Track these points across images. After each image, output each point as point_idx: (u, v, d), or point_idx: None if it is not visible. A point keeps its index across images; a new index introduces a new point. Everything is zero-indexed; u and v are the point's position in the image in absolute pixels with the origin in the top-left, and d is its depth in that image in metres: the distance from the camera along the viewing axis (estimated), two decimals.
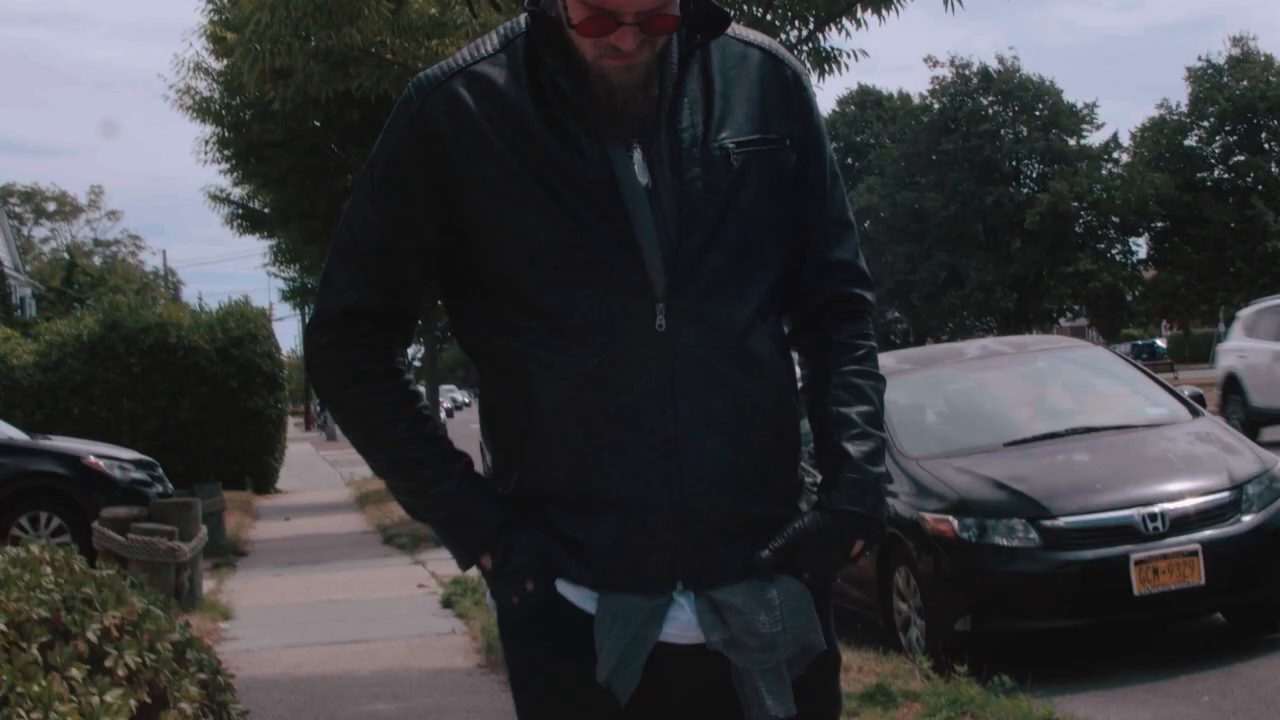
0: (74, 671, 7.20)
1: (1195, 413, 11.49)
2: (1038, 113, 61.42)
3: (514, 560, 2.99)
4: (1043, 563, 9.84)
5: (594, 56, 2.90)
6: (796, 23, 12.99)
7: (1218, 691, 9.16)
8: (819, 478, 3.18)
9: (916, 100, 66.16)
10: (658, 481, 2.92)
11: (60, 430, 23.72)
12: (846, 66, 13.51)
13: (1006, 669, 8.93)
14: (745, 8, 12.94)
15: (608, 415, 2.91)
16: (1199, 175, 60.71)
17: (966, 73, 61.96)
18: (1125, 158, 62.57)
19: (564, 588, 3.00)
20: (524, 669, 3.11)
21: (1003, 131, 61.38)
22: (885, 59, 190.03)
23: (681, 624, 2.98)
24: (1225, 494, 10.03)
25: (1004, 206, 59.53)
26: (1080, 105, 62.10)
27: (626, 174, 2.92)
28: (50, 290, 62.42)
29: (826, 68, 13.25)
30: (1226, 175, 61.25)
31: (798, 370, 3.22)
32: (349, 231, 3.12)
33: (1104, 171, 61.69)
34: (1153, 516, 9.79)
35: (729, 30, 3.10)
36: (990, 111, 61.73)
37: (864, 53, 13.01)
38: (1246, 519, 9.96)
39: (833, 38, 12.59)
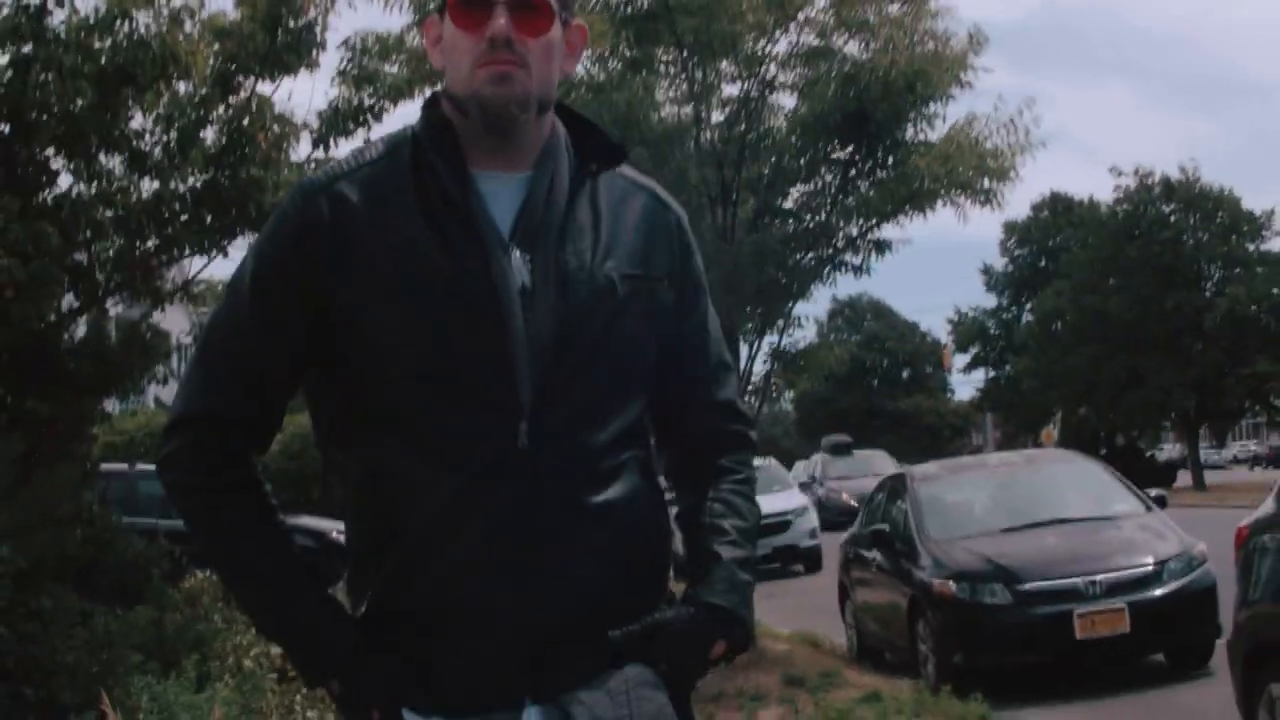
0: None
1: (1149, 509, 15.45)
2: (1218, 220, 63.31)
3: (359, 690, 2.91)
4: (1014, 615, 13.83)
5: (469, 73, 2.94)
6: (860, 220, 17.29)
7: (1145, 709, 12.96)
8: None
9: (1107, 203, 67.75)
10: (511, 604, 2.83)
11: (302, 510, 26.39)
12: (896, 250, 17.71)
13: (995, 695, 12.82)
14: (814, 215, 17.26)
15: (464, 537, 2.82)
16: None
17: (1149, 181, 64.07)
18: None
19: (411, 717, 2.90)
20: None
21: (1184, 237, 63.24)
22: (1089, 156, 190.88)
23: None
24: (1149, 568, 13.94)
25: (1184, 310, 61.25)
26: (1259, 213, 64.01)
27: (504, 280, 2.88)
28: None
29: (880, 252, 17.61)
30: None
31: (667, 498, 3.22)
32: (214, 332, 3.04)
33: None
34: (1093, 582, 13.71)
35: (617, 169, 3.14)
36: (1172, 219, 63.66)
37: (908, 241, 17.32)
38: (1165, 586, 13.83)
39: (887, 230, 16.76)
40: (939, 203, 16.66)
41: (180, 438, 3.00)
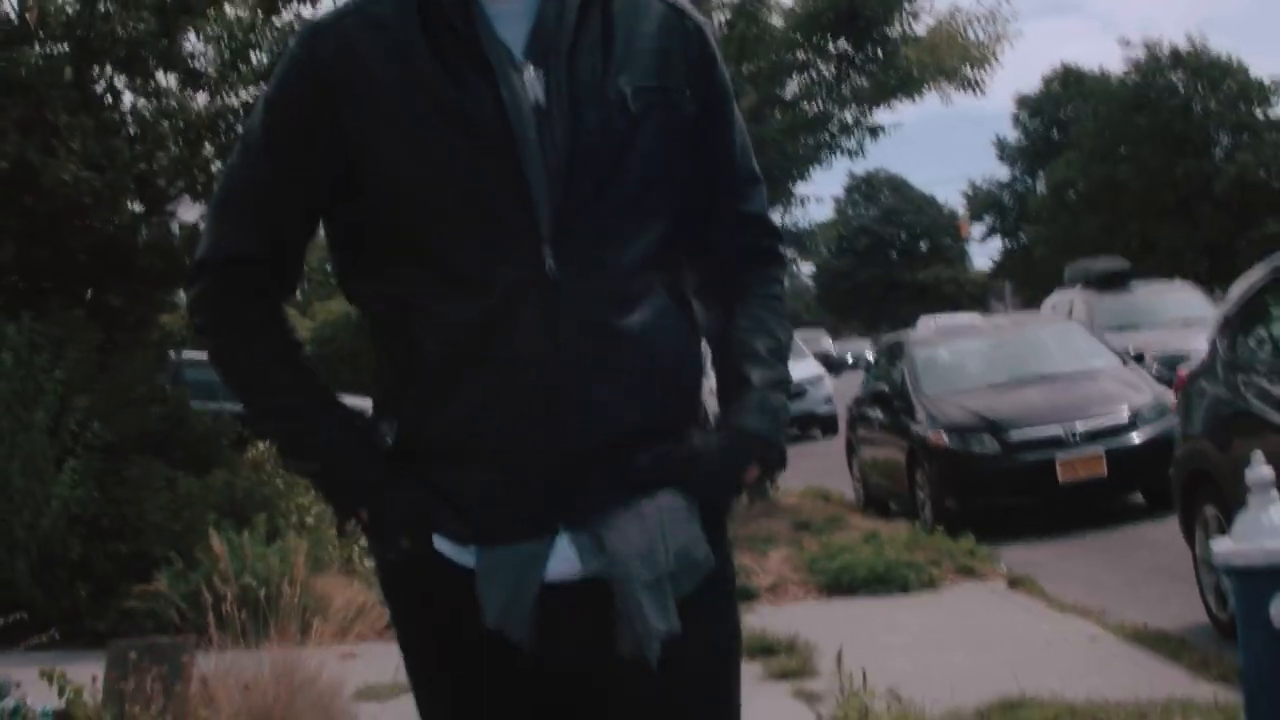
0: None
1: (1125, 363, 16.82)
2: (1226, 88, 63.94)
3: (390, 515, 2.87)
4: (1001, 463, 15.34)
5: None
6: (853, 108, 18.65)
7: (1118, 541, 14.27)
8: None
9: (1117, 74, 68.32)
10: (540, 431, 2.77)
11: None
12: (888, 134, 19.15)
13: (984, 534, 14.14)
14: (810, 103, 18.59)
15: (490, 364, 2.77)
16: None
17: (1158, 52, 64.68)
18: None
19: (442, 544, 2.85)
20: (406, 629, 3.01)
21: (1193, 106, 63.85)
22: (1104, 24, 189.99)
23: (562, 559, 2.81)
24: (1124, 417, 15.30)
25: (1193, 177, 61.86)
26: (1267, 80, 64.54)
27: (516, 103, 2.79)
28: (316, 272, 68.21)
29: (874, 136, 19.03)
30: None
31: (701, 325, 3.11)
32: (232, 176, 3.02)
33: None
34: (1073, 432, 15.13)
35: None
36: (1181, 88, 64.31)
37: (899, 125, 19.09)
38: (1139, 433, 15.17)
39: (880, 114, 18.27)
40: (925, 89, 18.02)
41: (202, 281, 2.99)
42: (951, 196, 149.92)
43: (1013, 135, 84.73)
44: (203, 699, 7.25)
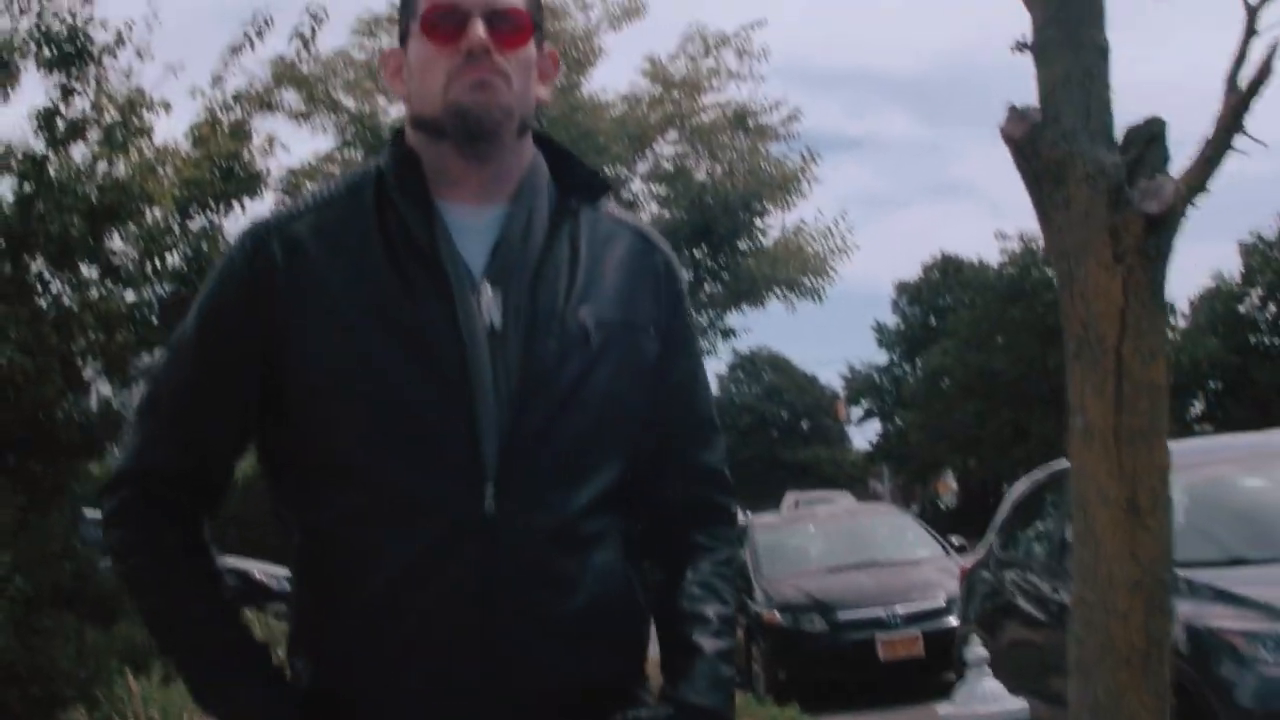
0: None
1: (948, 553, 18.59)
2: None
3: None
4: (828, 641, 17.00)
5: (444, 87, 2.70)
6: (708, 310, 20.57)
7: (929, 715, 15.65)
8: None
9: (994, 265, 69.97)
10: (474, 684, 2.59)
11: (224, 552, 28.68)
12: (739, 335, 21.19)
13: (810, 705, 15.66)
14: None
15: (423, 604, 2.57)
16: (1250, 339, 64.94)
17: (1034, 245, 66.71)
18: (1182, 323, 66.77)
19: None
20: None
21: None
22: (994, 210, 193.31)
23: None
24: (941, 602, 16.95)
25: (1065, 369, 63.68)
26: None
27: (470, 325, 2.62)
28: None
29: (726, 338, 21.09)
30: (1276, 340, 65.36)
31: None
32: (159, 385, 2.82)
33: None
34: (893, 614, 16.81)
35: (601, 206, 2.87)
36: (1055, 282, 65.78)
37: (749, 329, 21.41)
38: (954, 617, 16.74)
39: (732, 318, 20.27)
40: (770, 296, 20.04)
41: (122, 494, 2.78)
42: (833, 378, 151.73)
43: (892, 320, 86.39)
44: None
